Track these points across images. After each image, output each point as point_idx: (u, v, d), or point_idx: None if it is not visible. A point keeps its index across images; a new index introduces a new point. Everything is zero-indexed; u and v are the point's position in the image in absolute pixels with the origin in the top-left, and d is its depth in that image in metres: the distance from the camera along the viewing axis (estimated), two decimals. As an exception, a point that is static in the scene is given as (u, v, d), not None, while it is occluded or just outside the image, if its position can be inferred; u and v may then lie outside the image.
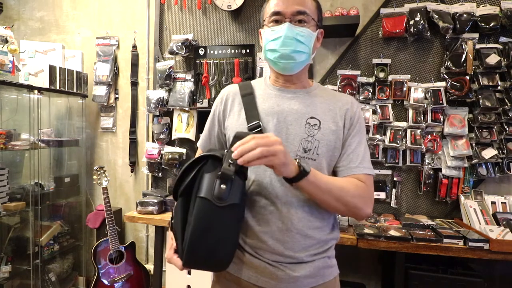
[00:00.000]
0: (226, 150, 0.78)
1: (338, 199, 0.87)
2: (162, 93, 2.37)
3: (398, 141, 2.01)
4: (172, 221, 0.89)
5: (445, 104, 1.95)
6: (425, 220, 1.89)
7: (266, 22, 0.96)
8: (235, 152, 0.75)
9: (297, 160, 0.81)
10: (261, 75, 2.21)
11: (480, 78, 1.91)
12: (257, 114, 0.95)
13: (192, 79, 2.33)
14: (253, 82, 1.06)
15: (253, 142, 0.74)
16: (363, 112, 2.05)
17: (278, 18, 0.93)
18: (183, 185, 0.84)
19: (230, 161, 0.76)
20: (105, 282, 2.22)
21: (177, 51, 2.29)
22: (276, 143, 0.76)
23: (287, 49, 0.92)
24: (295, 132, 0.93)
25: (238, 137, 0.79)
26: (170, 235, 0.93)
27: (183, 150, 2.39)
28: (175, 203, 0.89)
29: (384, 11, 2.05)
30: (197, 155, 1.16)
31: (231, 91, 1.04)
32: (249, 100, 0.98)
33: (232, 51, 2.26)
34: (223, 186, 0.77)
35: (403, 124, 2.04)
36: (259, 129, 0.92)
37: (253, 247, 0.91)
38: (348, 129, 0.97)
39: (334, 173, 0.99)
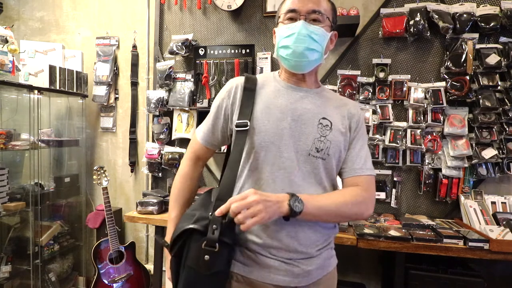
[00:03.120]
0: (210, 214, 0.82)
1: (337, 216, 0.93)
2: (162, 93, 2.37)
3: (398, 141, 2.01)
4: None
5: (445, 104, 1.95)
6: (425, 220, 1.89)
7: (281, 19, 0.97)
8: (218, 211, 0.80)
9: (288, 202, 0.82)
10: (261, 75, 2.22)
11: (480, 78, 1.90)
12: (249, 113, 0.94)
13: (192, 79, 2.33)
14: (260, 77, 1.04)
15: (233, 206, 0.78)
16: (363, 112, 2.05)
17: (293, 15, 0.93)
18: (174, 249, 0.87)
19: (214, 226, 0.80)
20: (105, 282, 2.22)
21: (177, 51, 2.29)
22: (253, 204, 0.78)
23: (300, 46, 0.91)
24: (309, 131, 0.94)
25: (219, 200, 0.84)
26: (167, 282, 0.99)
27: (183, 150, 2.39)
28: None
29: (384, 11, 2.05)
30: (194, 149, 1.11)
31: (240, 83, 1.01)
32: (247, 95, 0.97)
33: (232, 51, 2.25)
34: (207, 257, 0.79)
35: (403, 124, 2.04)
36: (246, 128, 0.92)
37: (266, 246, 0.91)
38: (354, 132, 1.00)
39: (339, 173, 1.02)
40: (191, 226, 0.83)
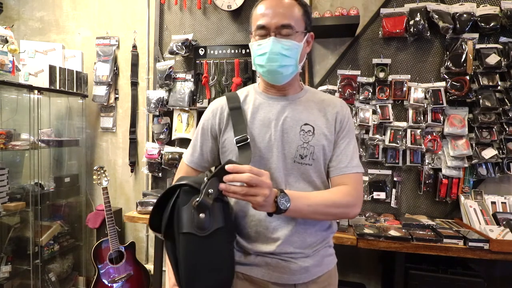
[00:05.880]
0: (205, 177, 0.76)
1: (324, 214, 0.92)
2: (162, 93, 2.37)
3: (398, 141, 2.01)
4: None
5: (445, 104, 1.95)
6: (425, 220, 1.89)
7: (253, 34, 0.97)
8: (225, 186, 0.75)
9: (276, 198, 0.80)
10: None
11: (480, 78, 1.90)
12: (244, 128, 0.95)
13: (192, 79, 2.33)
14: (240, 92, 1.06)
15: (248, 176, 0.74)
16: (363, 112, 2.05)
17: (263, 32, 0.93)
18: (163, 225, 0.83)
19: (209, 191, 0.74)
20: (105, 282, 2.22)
21: (177, 51, 2.29)
22: (264, 186, 0.76)
23: (273, 65, 0.92)
24: (291, 140, 0.95)
25: (223, 169, 0.75)
26: (168, 272, 0.96)
27: (183, 150, 2.38)
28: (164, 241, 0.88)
29: (384, 11, 2.05)
30: (185, 173, 1.09)
31: (223, 103, 1.02)
32: (236, 113, 0.98)
33: (232, 51, 2.26)
34: (202, 215, 0.77)
35: (403, 124, 2.04)
36: (247, 141, 0.92)
37: (263, 252, 0.93)
38: (338, 131, 0.99)
39: (326, 173, 1.03)
40: (184, 181, 0.80)
